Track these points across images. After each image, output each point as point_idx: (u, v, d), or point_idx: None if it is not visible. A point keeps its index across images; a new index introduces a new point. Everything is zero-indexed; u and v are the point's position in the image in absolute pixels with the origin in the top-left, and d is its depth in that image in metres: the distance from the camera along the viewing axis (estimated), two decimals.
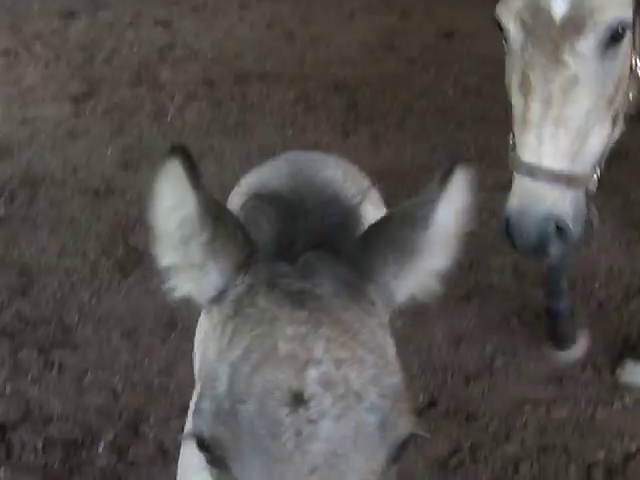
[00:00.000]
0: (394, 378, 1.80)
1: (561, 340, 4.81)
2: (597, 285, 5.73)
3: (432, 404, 4.88)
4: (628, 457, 4.63)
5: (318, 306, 1.80)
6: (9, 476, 4.42)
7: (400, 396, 1.77)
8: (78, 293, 5.74)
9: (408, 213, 1.92)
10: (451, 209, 1.90)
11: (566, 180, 3.34)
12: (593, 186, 3.56)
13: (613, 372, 5.06)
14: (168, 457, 4.53)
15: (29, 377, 5.06)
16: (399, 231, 1.91)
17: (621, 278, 5.77)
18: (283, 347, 1.74)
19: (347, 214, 1.97)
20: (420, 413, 4.78)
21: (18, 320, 5.53)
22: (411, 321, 5.33)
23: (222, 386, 1.73)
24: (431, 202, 1.88)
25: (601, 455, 4.63)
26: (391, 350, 1.88)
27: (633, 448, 4.68)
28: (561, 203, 3.36)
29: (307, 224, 1.90)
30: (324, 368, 1.71)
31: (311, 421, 1.66)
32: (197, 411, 1.76)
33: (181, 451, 2.75)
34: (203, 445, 1.74)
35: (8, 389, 4.97)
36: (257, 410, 1.67)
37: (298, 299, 1.81)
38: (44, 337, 5.39)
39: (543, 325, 5.09)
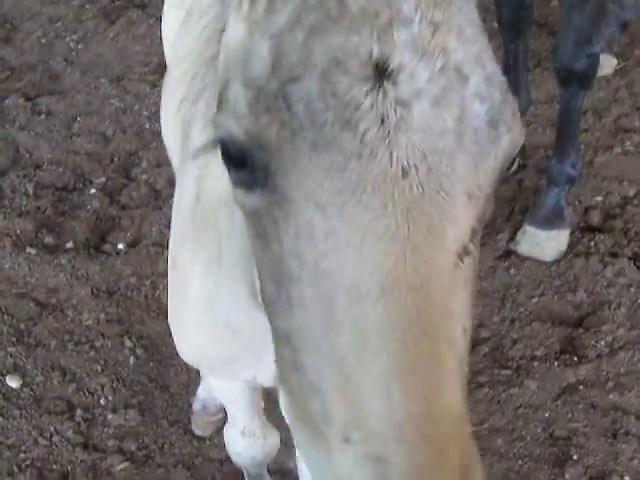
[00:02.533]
0: (499, 69, 1.34)
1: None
2: None
3: None
4: (626, 201, 4.60)
5: None
6: (1, 220, 4.38)
7: (508, 94, 1.32)
8: (63, 40, 5.55)
9: None
10: None
11: None
12: None
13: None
14: (160, 199, 4.50)
15: (17, 124, 4.95)
16: None
17: None
18: (354, 0, 1.24)
19: None
20: None
21: (2, 67, 5.37)
22: None
23: (261, 66, 1.26)
24: None
25: (599, 199, 4.59)
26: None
27: (631, 192, 4.64)
28: None
29: None
30: (416, 29, 1.23)
31: (402, 102, 1.20)
32: (222, 105, 1.31)
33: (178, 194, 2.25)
34: (232, 154, 1.30)
35: None
36: (320, 89, 1.21)
37: None
38: (30, 84, 5.25)
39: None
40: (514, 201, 4.53)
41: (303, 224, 1.24)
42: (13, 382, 3.78)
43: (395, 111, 1.20)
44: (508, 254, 4.28)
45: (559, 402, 3.72)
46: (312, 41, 1.23)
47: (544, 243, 4.23)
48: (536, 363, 3.84)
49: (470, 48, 1.27)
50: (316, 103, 1.20)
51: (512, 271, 4.21)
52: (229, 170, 1.33)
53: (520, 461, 3.55)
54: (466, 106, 1.24)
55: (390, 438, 1.13)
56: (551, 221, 4.24)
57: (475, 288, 1.33)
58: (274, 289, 1.32)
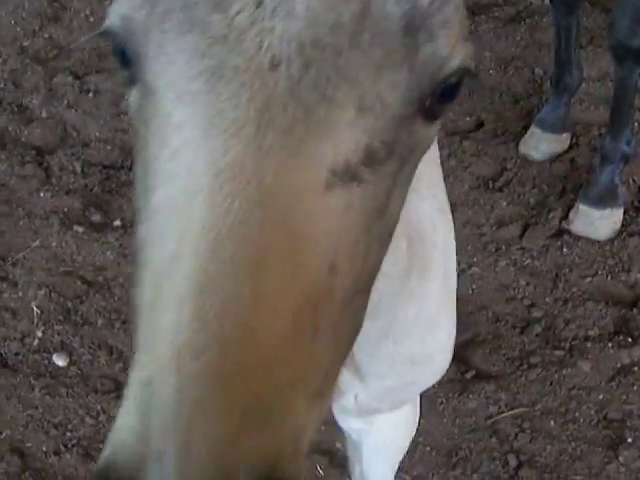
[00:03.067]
0: None
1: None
2: None
3: (479, 125, 4.73)
4: None
5: None
6: (49, 198, 4.38)
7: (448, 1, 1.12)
8: None
9: None
10: None
11: None
12: None
13: None
14: None
15: (65, 102, 4.93)
16: None
17: None
18: None
19: None
20: (467, 134, 4.65)
21: (51, 46, 5.36)
22: None
23: None
24: None
25: None
26: None
27: None
28: None
29: None
30: None
31: None
32: None
33: None
34: (115, 45, 1.17)
35: (44, 114, 4.85)
36: None
37: None
38: (78, 63, 5.23)
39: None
40: (566, 179, 4.44)
41: (163, 117, 1.08)
42: (60, 360, 3.77)
43: None
44: (561, 233, 4.20)
45: (613, 384, 3.64)
46: None
47: (598, 222, 4.14)
48: (589, 344, 3.77)
49: None
50: None
51: (565, 250, 4.12)
52: (123, 67, 1.20)
53: (573, 443, 3.48)
54: (372, 2, 1.05)
55: (167, 361, 0.92)
56: (605, 200, 4.15)
57: (378, 230, 1.14)
58: (140, 202, 1.13)
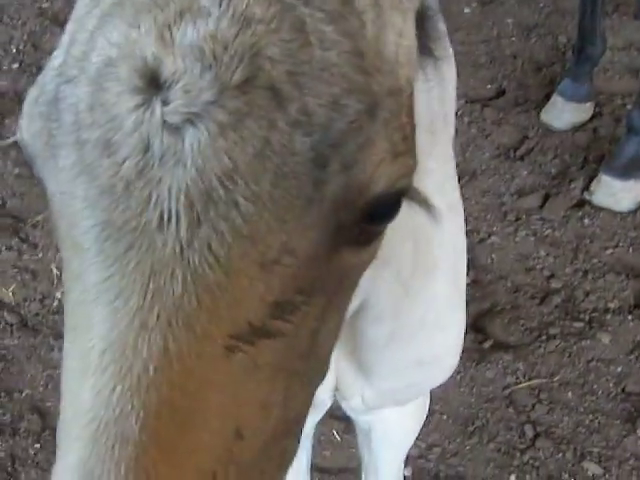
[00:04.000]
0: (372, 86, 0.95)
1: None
2: None
3: (500, 93, 4.69)
4: None
5: None
6: None
7: (369, 118, 0.94)
8: None
9: None
10: None
11: None
12: None
13: None
14: None
15: None
16: None
17: None
18: None
19: None
20: (488, 102, 4.62)
21: (70, 8, 5.25)
22: (480, 9, 5.09)
23: (57, 58, 1.00)
24: None
25: None
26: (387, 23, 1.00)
27: None
28: None
29: None
30: (211, 26, 0.90)
31: (170, 128, 0.90)
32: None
33: None
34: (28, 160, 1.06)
35: None
36: (90, 97, 0.93)
37: None
38: None
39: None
40: (589, 150, 4.41)
41: (65, 260, 0.99)
42: None
43: (162, 138, 0.89)
44: (582, 204, 4.17)
45: (632, 357, 3.64)
46: (98, 31, 0.95)
47: (620, 193, 4.12)
48: (609, 316, 3.76)
49: (305, 58, 0.91)
50: (84, 114, 0.93)
51: (586, 221, 4.11)
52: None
53: (591, 415, 3.48)
54: (275, 139, 0.90)
55: None
56: (628, 171, 4.12)
57: (300, 373, 1.02)
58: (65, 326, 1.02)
